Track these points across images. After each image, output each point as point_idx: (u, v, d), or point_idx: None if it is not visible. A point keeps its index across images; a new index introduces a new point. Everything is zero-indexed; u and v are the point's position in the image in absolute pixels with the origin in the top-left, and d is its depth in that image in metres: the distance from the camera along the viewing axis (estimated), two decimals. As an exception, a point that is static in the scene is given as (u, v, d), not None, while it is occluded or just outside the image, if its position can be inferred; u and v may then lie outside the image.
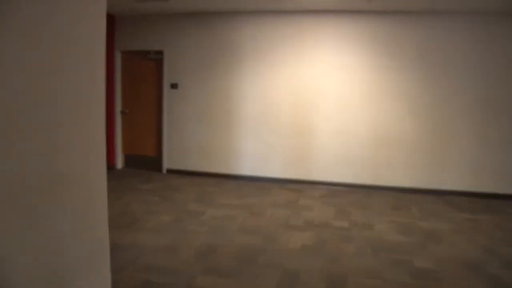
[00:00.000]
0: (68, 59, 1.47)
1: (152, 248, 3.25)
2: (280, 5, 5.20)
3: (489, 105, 5.08)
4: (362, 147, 5.44)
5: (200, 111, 5.90)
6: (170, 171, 6.11)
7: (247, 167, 5.82)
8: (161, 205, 4.40)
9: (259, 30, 5.59)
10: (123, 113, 6.36)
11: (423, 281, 2.82)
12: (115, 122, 6.35)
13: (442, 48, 5.13)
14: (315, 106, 5.51)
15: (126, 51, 6.25)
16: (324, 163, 5.55)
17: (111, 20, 6.08)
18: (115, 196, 4.68)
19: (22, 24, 1.27)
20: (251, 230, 3.76)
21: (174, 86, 5.95)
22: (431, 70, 5.18)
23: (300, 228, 3.84)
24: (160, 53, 6.00)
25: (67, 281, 1.51)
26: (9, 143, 1.23)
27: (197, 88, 5.88)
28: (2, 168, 1.21)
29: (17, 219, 1.26)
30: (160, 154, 6.17)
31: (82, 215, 1.62)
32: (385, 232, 3.77)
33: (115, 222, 3.68)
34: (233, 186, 5.41)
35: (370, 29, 5.28)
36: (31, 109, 1.31)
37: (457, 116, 5.17)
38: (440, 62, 5.15)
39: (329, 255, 3.24)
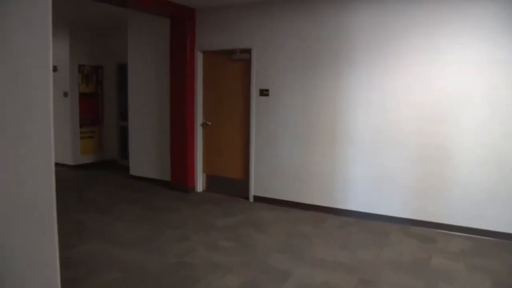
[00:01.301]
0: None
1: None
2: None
3: None
4: (530, 180, 4.41)
5: (297, 124, 5.46)
6: (257, 199, 5.82)
7: (357, 200, 5.20)
8: (233, 255, 4.03)
9: (376, 20, 4.90)
10: (204, 125, 6.28)
11: None
12: (196, 136, 6.31)
13: None
14: (454, 120, 4.61)
15: (209, 52, 6.14)
16: (465, 201, 4.62)
17: (191, 15, 6.02)
18: (180, 234, 4.52)
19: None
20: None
21: (264, 92, 5.62)
22: None
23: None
24: (248, 51, 5.72)
25: None
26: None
27: (293, 95, 5.45)
28: None
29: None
30: (247, 177, 5.92)
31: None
32: None
33: (164, 280, 3.47)
34: (336, 226, 4.86)
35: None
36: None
37: None
38: None
39: None
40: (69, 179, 7.39)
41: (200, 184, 6.40)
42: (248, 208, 5.59)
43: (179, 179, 6.39)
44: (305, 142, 5.44)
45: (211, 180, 6.41)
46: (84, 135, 8.44)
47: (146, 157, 7.03)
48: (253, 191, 5.86)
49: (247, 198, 5.92)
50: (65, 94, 8.17)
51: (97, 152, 8.80)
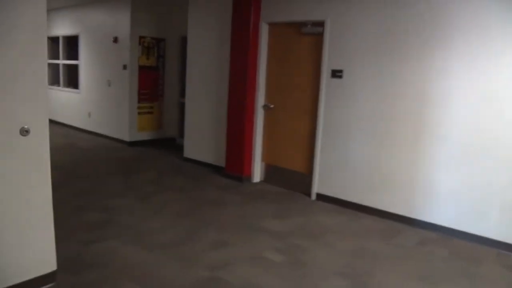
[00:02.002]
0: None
1: None
2: None
3: None
4: None
5: (373, 114, 4.67)
6: (320, 198, 5.14)
7: (442, 212, 4.31)
8: (280, 275, 3.34)
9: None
10: (266, 108, 5.68)
11: None
12: (255, 120, 5.73)
13: None
14: None
15: (275, 24, 5.48)
16: None
17: (257, -20, 5.39)
18: (221, 238, 3.93)
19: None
20: None
21: (337, 74, 4.88)
22: None
23: None
24: (321, 25, 4.98)
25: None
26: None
27: (371, 79, 4.65)
28: None
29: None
30: (311, 171, 5.26)
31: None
32: None
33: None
34: (415, 244, 4.04)
35: None
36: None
37: None
38: None
39: None
40: (120, 157, 7.19)
41: (257, 174, 5.85)
42: (308, 208, 4.94)
43: (234, 167, 5.88)
44: (382, 136, 4.63)
45: (270, 171, 5.82)
46: (142, 110, 8.21)
47: (201, 139, 6.59)
48: (316, 188, 5.19)
49: (309, 195, 5.26)
50: (124, 67, 7.94)
51: (155, 129, 8.56)
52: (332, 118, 4.98)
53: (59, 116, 10.44)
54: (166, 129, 8.66)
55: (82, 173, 6.03)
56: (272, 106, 5.61)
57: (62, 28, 9.94)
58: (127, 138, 8.13)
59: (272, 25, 5.51)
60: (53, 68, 10.69)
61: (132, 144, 8.08)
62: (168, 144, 8.30)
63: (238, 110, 5.75)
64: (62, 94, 10.25)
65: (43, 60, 2.69)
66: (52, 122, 10.74)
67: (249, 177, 5.82)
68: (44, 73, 2.69)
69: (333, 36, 4.87)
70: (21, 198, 2.69)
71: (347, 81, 4.80)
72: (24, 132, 2.57)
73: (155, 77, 8.32)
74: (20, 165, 2.67)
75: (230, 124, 5.91)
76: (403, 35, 4.37)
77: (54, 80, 10.71)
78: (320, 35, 4.99)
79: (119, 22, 8.04)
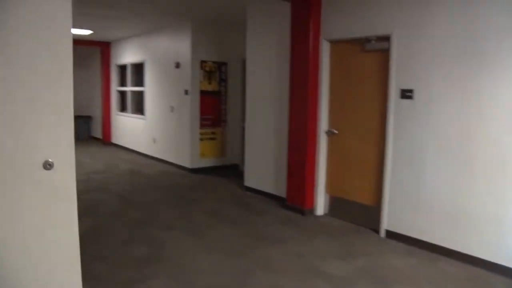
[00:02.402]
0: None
1: None
2: None
3: None
4: None
5: (451, 140, 4.05)
6: (391, 235, 4.57)
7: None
8: None
9: None
10: (329, 134, 5.27)
11: None
12: (318, 147, 5.31)
13: None
14: None
15: (336, 41, 5.08)
16: None
17: (316, -5, 5.07)
18: (271, 284, 3.52)
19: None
20: None
21: (406, 94, 4.34)
22: None
23: None
24: (386, 39, 4.51)
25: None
26: None
27: (448, 99, 4.05)
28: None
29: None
30: (379, 204, 4.72)
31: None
32: None
33: None
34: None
35: None
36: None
37: None
38: None
39: None
40: (180, 184, 7.07)
41: (320, 206, 5.40)
42: (376, 247, 4.39)
43: (296, 198, 5.49)
44: (463, 164, 4.00)
45: (334, 203, 5.35)
46: (204, 136, 8.13)
47: (262, 167, 6.27)
48: (385, 224, 4.62)
49: (377, 232, 4.71)
50: (186, 92, 7.94)
51: (217, 156, 8.43)
52: (402, 144, 4.44)
53: (127, 142, 10.74)
54: (229, 155, 8.50)
55: (138, 201, 5.97)
56: (336, 131, 5.19)
57: (130, 56, 10.27)
58: (189, 165, 8.06)
59: (333, 43, 5.12)
60: (122, 95, 11.09)
61: (194, 171, 7.99)
62: (231, 171, 8.11)
63: (299, 136, 5.38)
64: (129, 120, 10.54)
65: (68, 89, 2.55)
66: (120, 147, 11.11)
67: (311, 209, 5.40)
68: (69, 103, 2.54)
69: (401, 51, 4.37)
70: (45, 238, 2.53)
71: (419, 101, 4.26)
72: (48, 166, 2.42)
73: (217, 102, 8.23)
74: (43, 202, 2.51)
75: (291, 152, 5.55)
76: (494, 41, 3.73)
77: (122, 107, 11.09)
78: (386, 51, 4.52)
79: (181, 47, 8.09)
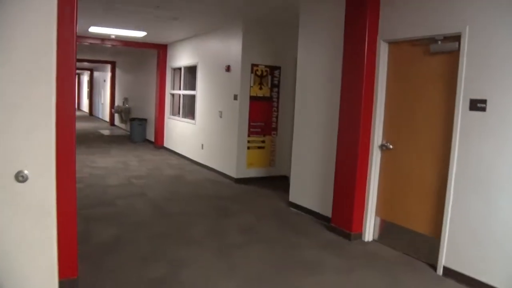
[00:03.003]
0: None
1: None
2: None
3: None
4: None
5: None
6: (450, 274, 3.81)
7: None
8: None
9: None
10: (384, 149, 4.64)
11: None
12: (370, 163, 4.69)
13: None
14: None
15: (396, 42, 4.45)
16: None
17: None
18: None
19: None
20: None
21: (478, 105, 3.62)
22: None
23: None
24: (455, 39, 3.81)
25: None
26: None
27: (530, 112, 3.38)
28: None
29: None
30: (438, 234, 4.00)
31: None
32: None
33: None
34: None
35: None
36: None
37: None
38: None
39: None
40: (221, 195, 6.67)
41: (369, 231, 4.73)
42: (430, 287, 3.72)
43: (342, 219, 4.88)
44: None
45: (385, 228, 4.67)
46: (252, 144, 7.71)
47: (309, 182, 5.72)
48: (444, 259, 3.88)
49: (434, 267, 3.97)
50: (235, 97, 7.58)
51: (266, 166, 7.96)
52: (470, 164, 3.71)
53: (177, 147, 10.59)
54: (279, 166, 8.01)
55: (171, 211, 5.64)
56: (391, 146, 4.55)
57: (184, 59, 10.13)
58: (234, 174, 7.67)
59: (393, 44, 4.48)
60: (175, 99, 10.98)
61: (239, 181, 7.58)
62: (279, 183, 7.60)
63: (349, 149, 4.79)
64: (180, 125, 10.38)
65: (48, 90, 2.22)
66: (170, 152, 10.98)
67: (359, 234, 4.76)
68: (49, 107, 2.21)
69: (473, 53, 3.66)
70: (17, 258, 2.22)
71: (493, 114, 3.53)
72: (21, 177, 2.08)
73: (268, 108, 7.79)
74: (15, 219, 2.19)
75: (339, 167, 4.96)
76: None
77: (175, 110, 10.98)
78: (454, 53, 3.83)
79: (231, 49, 7.75)
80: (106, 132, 15.76)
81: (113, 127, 17.74)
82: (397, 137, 4.50)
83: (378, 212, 4.72)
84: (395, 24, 4.38)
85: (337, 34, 4.99)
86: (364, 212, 4.74)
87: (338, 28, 4.96)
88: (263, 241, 4.65)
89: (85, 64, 20.60)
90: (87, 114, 25.72)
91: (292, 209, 5.95)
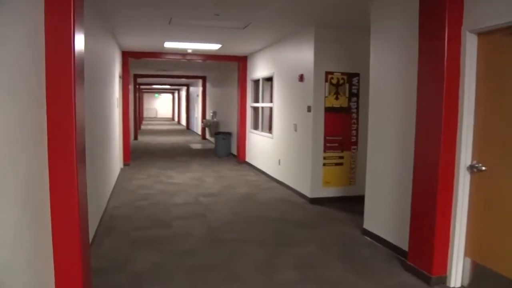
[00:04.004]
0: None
1: None
2: None
3: None
4: None
5: None
6: None
7: None
8: None
9: None
10: (474, 170, 3.57)
11: None
12: (456, 188, 3.64)
13: None
14: None
15: (488, 32, 3.40)
16: None
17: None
18: None
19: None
20: None
21: None
22: None
23: None
24: None
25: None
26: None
27: None
28: None
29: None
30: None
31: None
32: None
33: None
34: None
35: None
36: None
37: None
38: None
39: None
40: (289, 218, 5.93)
41: (455, 275, 3.66)
42: None
43: (420, 257, 3.87)
44: None
45: (478, 272, 3.57)
46: (329, 161, 6.88)
47: (384, 206, 4.79)
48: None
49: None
50: (309, 109, 6.83)
51: (345, 185, 7.05)
52: None
53: (257, 162, 10.07)
54: (360, 184, 7.01)
55: (225, 238, 5.03)
56: (484, 167, 3.48)
57: (261, 70, 9.61)
58: (308, 193, 6.88)
59: (483, 36, 3.43)
60: (255, 112, 10.49)
61: (314, 201, 6.78)
62: (359, 204, 6.54)
63: (427, 171, 3.80)
64: (259, 139, 9.84)
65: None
66: (251, 167, 10.48)
67: (442, 277, 3.70)
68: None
69: None
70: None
71: None
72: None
73: (346, 120, 6.90)
74: None
75: (416, 192, 3.97)
76: None
77: (255, 124, 10.48)
78: None
79: (304, 57, 7.03)
80: (195, 146, 15.80)
81: (204, 141, 17.85)
82: (492, 155, 3.43)
83: (468, 252, 3.64)
84: (486, 8, 3.35)
85: (412, 34, 4.06)
86: (449, 250, 3.70)
87: (413, 27, 4.03)
88: (319, 280, 3.83)
89: (183, 80, 21.19)
90: (185, 128, 26.50)
91: (366, 237, 5.04)
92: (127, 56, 10.11)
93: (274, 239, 4.99)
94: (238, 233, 5.24)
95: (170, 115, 41.18)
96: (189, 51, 9.79)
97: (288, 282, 3.78)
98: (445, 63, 3.53)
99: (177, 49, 9.45)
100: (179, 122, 32.02)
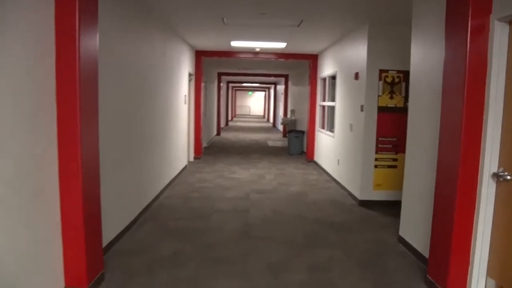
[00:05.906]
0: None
1: None
2: None
3: None
4: None
5: None
6: None
7: None
8: None
9: None
10: (500, 179, 3.03)
11: None
12: (478, 200, 3.15)
13: None
14: None
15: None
16: None
17: None
18: None
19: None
20: None
21: None
22: None
23: None
24: None
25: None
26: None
27: None
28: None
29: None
30: None
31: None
32: None
33: None
34: None
35: None
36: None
37: None
38: None
39: None
40: (330, 220, 5.63)
41: (477, 297, 3.24)
42: None
43: (439, 272, 3.41)
44: None
45: (502, 296, 3.11)
46: (381, 163, 6.41)
47: (417, 213, 4.31)
48: None
49: None
50: (361, 108, 6.41)
51: (398, 188, 6.42)
52: None
53: (322, 161, 9.76)
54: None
55: (256, 235, 4.91)
56: (510, 176, 2.99)
57: (327, 68, 9.27)
58: (358, 195, 6.48)
59: (514, 24, 2.96)
60: (322, 110, 10.16)
61: (363, 203, 6.36)
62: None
63: (446, 178, 3.35)
64: (324, 138, 9.52)
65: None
66: (317, 166, 10.22)
67: (465, 302, 3.27)
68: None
69: None
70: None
71: None
72: None
73: (401, 121, 6.27)
74: None
75: (437, 201, 3.53)
76: None
77: (322, 123, 10.15)
78: None
79: (358, 54, 6.64)
80: (272, 143, 15.75)
81: (284, 138, 17.74)
82: (521, 163, 2.92)
83: (490, 272, 3.14)
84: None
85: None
86: (469, 268, 3.22)
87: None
88: (326, 285, 3.56)
89: (272, 78, 21.27)
90: (271, 126, 26.63)
91: (401, 246, 4.59)
92: (200, 55, 10.35)
93: (302, 240, 4.76)
94: (270, 231, 5.08)
95: (262, 113, 41.71)
96: (257, 49, 9.74)
97: (292, 284, 3.58)
98: (467, 55, 3.06)
99: (245, 47, 9.46)
100: (268, 120, 32.29)
